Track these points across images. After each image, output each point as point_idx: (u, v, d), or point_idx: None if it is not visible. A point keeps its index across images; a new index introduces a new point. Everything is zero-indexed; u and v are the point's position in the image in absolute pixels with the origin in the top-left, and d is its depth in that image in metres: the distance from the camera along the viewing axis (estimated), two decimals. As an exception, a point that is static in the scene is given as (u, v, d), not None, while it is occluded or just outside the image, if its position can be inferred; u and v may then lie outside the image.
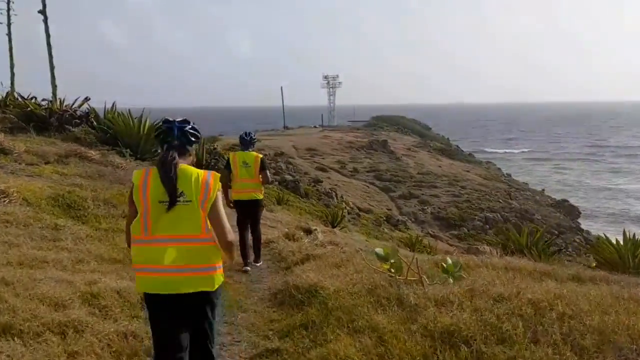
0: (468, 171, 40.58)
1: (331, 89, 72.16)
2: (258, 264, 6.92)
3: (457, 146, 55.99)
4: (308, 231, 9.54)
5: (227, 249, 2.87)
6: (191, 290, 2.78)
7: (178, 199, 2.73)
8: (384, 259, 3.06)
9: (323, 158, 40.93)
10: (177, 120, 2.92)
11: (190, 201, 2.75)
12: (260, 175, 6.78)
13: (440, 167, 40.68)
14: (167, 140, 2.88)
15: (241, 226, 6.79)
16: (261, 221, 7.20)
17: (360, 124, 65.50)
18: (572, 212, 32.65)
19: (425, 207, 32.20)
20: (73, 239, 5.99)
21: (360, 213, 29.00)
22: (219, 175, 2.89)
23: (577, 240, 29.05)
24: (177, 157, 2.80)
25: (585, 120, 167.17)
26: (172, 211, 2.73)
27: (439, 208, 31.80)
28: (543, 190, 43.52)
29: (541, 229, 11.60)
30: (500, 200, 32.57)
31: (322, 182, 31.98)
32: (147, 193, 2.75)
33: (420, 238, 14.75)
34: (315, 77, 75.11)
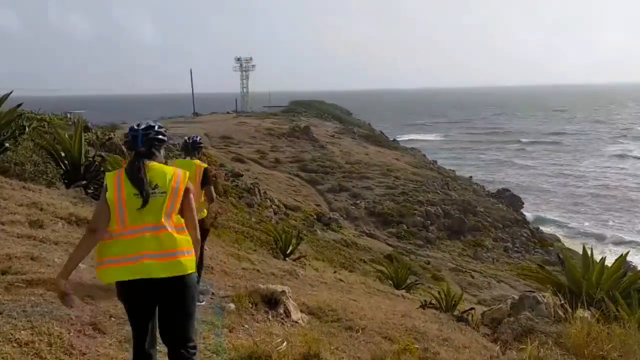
0: (397, 159, 37.25)
1: (244, 72, 66.53)
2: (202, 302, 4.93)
3: (381, 132, 52.83)
4: (270, 300, 4.93)
5: (193, 229, 2.98)
6: (166, 275, 2.81)
7: (153, 191, 2.88)
8: None
9: (240, 147, 35.90)
10: (142, 127, 3.03)
11: (165, 192, 2.91)
12: (203, 192, 5.30)
13: (367, 155, 37.02)
14: (134, 147, 3.01)
15: None
16: None
17: (277, 109, 60.55)
18: (515, 202, 30.19)
19: (358, 202, 28.34)
20: None
21: (288, 211, 24.54)
22: (187, 172, 3.04)
23: (525, 235, 26.46)
24: (143, 163, 2.95)
25: (486, 105, 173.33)
26: (147, 203, 2.85)
27: (374, 202, 28.05)
28: (471, 177, 41.41)
29: (623, 254, 7.63)
30: (439, 192, 29.39)
31: (241, 175, 27.09)
32: (122, 190, 2.88)
33: (407, 267, 10.44)
34: (227, 63, 69.27)
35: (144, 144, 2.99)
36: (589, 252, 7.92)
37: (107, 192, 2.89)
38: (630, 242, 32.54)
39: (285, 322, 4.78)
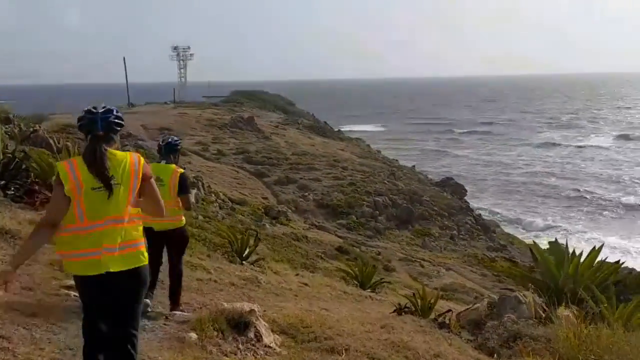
0: (343, 150, 36.80)
1: (182, 61, 64.07)
2: (177, 313, 4.61)
3: (326, 122, 52.25)
4: (238, 323, 4.09)
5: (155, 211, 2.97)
6: (126, 268, 2.78)
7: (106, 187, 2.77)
8: None
9: (180, 139, 34.19)
10: (101, 110, 2.89)
11: (119, 184, 2.77)
12: (179, 199, 4.86)
13: (313, 145, 36.31)
14: (92, 130, 2.83)
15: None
16: None
17: (218, 99, 58.68)
18: (459, 190, 30.41)
19: (306, 194, 27.60)
20: None
21: (234, 206, 23.46)
22: (141, 157, 2.90)
23: (469, 222, 26.64)
24: (104, 148, 2.78)
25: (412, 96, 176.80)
26: (104, 195, 2.72)
27: (322, 194, 27.40)
28: (414, 166, 41.61)
29: (596, 248, 7.19)
30: (386, 182, 29.12)
31: (183, 168, 25.64)
32: (79, 183, 2.71)
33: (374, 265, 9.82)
34: (164, 51, 66.32)
35: (102, 127, 2.83)
36: (563, 246, 7.54)
37: (65, 185, 2.72)
38: (557, 227, 33.87)
39: (258, 349, 3.98)
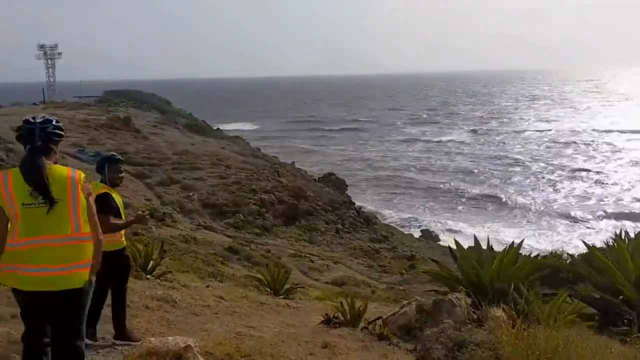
0: (224, 148, 35.27)
1: (49, 60, 57.75)
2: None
3: (204, 121, 49.93)
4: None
5: (97, 247, 2.70)
6: (60, 289, 2.57)
7: (43, 200, 2.55)
8: None
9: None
10: (39, 120, 2.69)
11: (61, 199, 2.57)
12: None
13: (193, 145, 34.35)
14: (30, 141, 2.64)
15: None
16: None
17: (90, 99, 53.56)
18: (340, 185, 30.53)
19: (191, 194, 25.87)
20: None
21: (116, 209, 21.13)
22: (82, 171, 2.72)
23: (352, 216, 26.80)
24: (44, 159, 2.58)
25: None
26: (40, 212, 2.51)
27: (207, 193, 25.87)
28: (294, 163, 41.35)
29: (515, 245, 6.95)
30: (271, 179, 28.31)
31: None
32: (12, 197, 2.52)
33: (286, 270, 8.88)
34: (32, 51, 59.19)
35: (41, 138, 2.64)
36: (482, 244, 7.28)
37: None
38: (416, 218, 35.49)
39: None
